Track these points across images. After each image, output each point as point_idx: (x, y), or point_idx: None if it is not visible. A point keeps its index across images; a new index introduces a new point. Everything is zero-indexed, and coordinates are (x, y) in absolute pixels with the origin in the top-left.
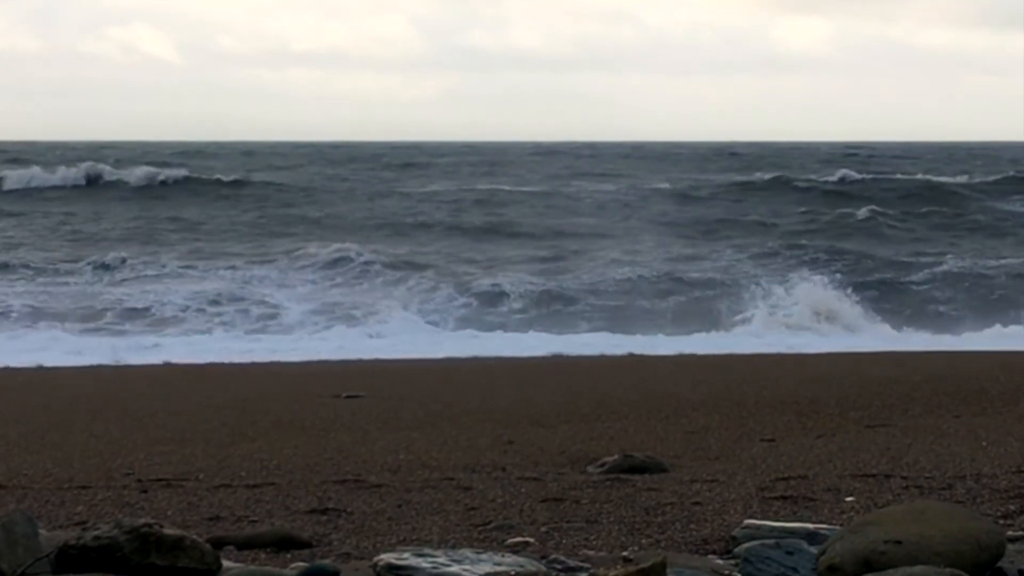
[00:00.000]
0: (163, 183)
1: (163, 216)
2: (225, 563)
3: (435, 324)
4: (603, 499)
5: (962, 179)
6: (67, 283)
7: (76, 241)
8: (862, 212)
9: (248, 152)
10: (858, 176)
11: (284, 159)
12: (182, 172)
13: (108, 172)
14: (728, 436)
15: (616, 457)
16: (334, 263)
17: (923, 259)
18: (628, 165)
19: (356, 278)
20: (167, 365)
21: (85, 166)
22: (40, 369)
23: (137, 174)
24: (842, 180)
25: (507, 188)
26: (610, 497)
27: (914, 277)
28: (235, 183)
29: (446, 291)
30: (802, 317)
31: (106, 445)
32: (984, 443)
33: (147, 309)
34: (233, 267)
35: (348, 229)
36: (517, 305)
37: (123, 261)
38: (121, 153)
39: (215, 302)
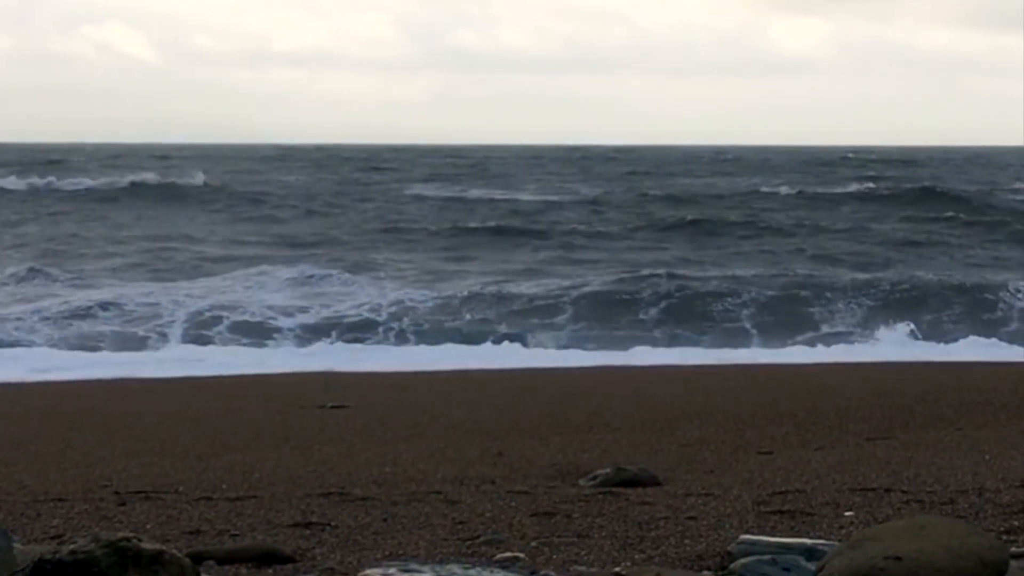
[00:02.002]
0: (133, 187)
1: (136, 222)
2: None
3: (418, 334)
4: (595, 513)
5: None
6: (31, 293)
7: (21, 247)
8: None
9: (226, 155)
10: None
11: (262, 163)
12: (146, 177)
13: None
14: (724, 449)
15: (608, 470)
16: (314, 271)
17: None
18: (621, 169)
19: (338, 287)
20: (144, 378)
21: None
22: (15, 383)
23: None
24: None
25: (493, 194)
26: (602, 511)
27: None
28: (206, 187)
29: (426, 301)
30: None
31: (83, 457)
32: (987, 456)
33: (124, 320)
34: (212, 275)
35: (329, 236)
36: (507, 312)
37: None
38: (92, 155)
39: (193, 310)
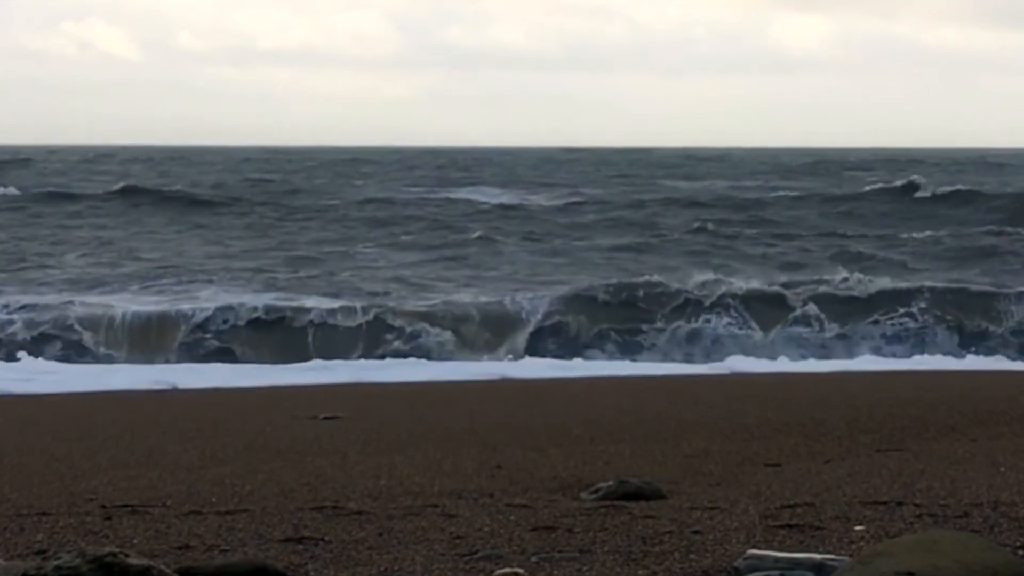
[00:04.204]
0: (105, 194)
1: (105, 230)
2: None
3: (407, 343)
4: (597, 527)
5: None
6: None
7: None
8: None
9: (210, 158)
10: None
11: (247, 164)
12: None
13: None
14: (730, 460)
15: (611, 483)
16: (291, 277)
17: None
18: (618, 170)
19: (318, 294)
20: (130, 389)
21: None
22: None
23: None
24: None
25: (486, 196)
26: (604, 525)
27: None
28: (183, 192)
29: (414, 308)
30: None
31: (68, 469)
32: (1002, 468)
33: (103, 329)
34: (193, 282)
35: (309, 241)
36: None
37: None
38: (62, 157)
39: (182, 318)
